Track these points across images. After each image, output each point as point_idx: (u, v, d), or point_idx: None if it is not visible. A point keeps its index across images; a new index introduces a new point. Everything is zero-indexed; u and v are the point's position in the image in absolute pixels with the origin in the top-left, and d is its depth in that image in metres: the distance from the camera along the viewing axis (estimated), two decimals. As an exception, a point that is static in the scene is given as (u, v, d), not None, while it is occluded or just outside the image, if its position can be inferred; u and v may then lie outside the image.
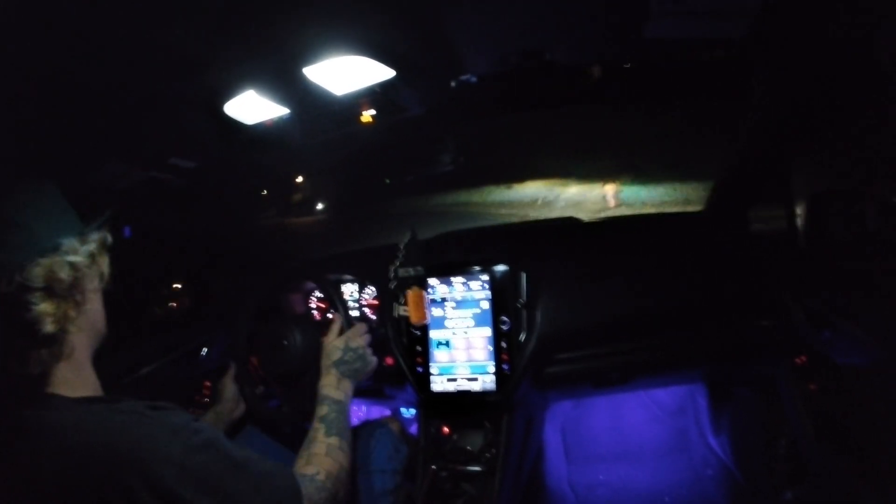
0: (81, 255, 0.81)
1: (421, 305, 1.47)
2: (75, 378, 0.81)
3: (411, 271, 1.46)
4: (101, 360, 0.88)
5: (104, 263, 0.87)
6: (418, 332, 1.58)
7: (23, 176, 0.83)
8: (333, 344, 1.30)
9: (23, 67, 0.86)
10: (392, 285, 1.49)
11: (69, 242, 0.81)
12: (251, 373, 1.56)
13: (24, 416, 0.74)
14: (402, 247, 1.48)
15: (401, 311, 1.45)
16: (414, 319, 1.46)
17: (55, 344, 0.78)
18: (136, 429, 0.74)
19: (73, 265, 0.79)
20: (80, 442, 0.72)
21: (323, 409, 1.15)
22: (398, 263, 1.48)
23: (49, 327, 0.75)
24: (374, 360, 1.36)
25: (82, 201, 0.88)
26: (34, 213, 0.80)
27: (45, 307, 0.75)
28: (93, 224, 0.88)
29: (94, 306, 0.86)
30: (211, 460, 0.79)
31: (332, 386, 1.21)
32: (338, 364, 1.26)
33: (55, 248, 0.79)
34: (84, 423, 0.74)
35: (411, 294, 1.45)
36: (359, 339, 1.34)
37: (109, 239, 0.89)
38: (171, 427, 0.77)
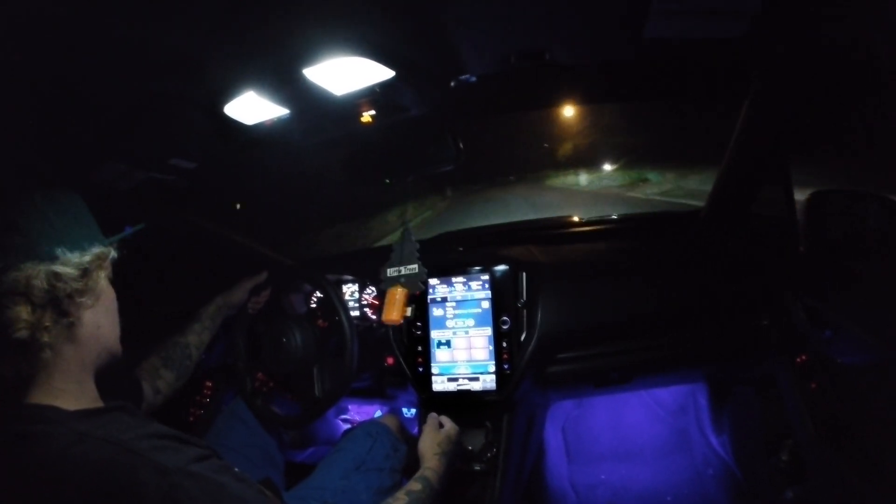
0: (71, 267, 0.80)
1: (397, 305, 1.41)
2: (73, 389, 0.80)
3: (403, 271, 1.44)
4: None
5: (98, 279, 0.85)
6: (419, 332, 1.58)
7: (40, 184, 0.83)
8: (447, 434, 1.33)
9: (21, 68, 0.86)
10: (382, 286, 1.48)
11: (68, 254, 0.80)
12: (251, 373, 1.56)
13: (12, 428, 0.74)
14: (393, 247, 1.47)
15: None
16: (383, 318, 1.41)
17: (30, 351, 0.76)
18: (119, 466, 0.71)
19: (56, 275, 0.78)
20: (58, 476, 0.71)
21: (417, 486, 1.15)
22: (387, 264, 1.47)
23: (19, 333, 0.74)
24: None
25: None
26: (38, 220, 0.79)
27: (17, 312, 0.74)
28: (109, 238, 0.87)
29: (92, 320, 0.84)
30: None
31: (437, 472, 1.22)
32: (448, 454, 1.29)
33: (50, 258, 0.78)
34: (69, 452, 0.72)
35: (389, 292, 1.42)
36: (455, 433, 1.37)
37: (113, 255, 0.88)
38: (159, 468, 0.72)
